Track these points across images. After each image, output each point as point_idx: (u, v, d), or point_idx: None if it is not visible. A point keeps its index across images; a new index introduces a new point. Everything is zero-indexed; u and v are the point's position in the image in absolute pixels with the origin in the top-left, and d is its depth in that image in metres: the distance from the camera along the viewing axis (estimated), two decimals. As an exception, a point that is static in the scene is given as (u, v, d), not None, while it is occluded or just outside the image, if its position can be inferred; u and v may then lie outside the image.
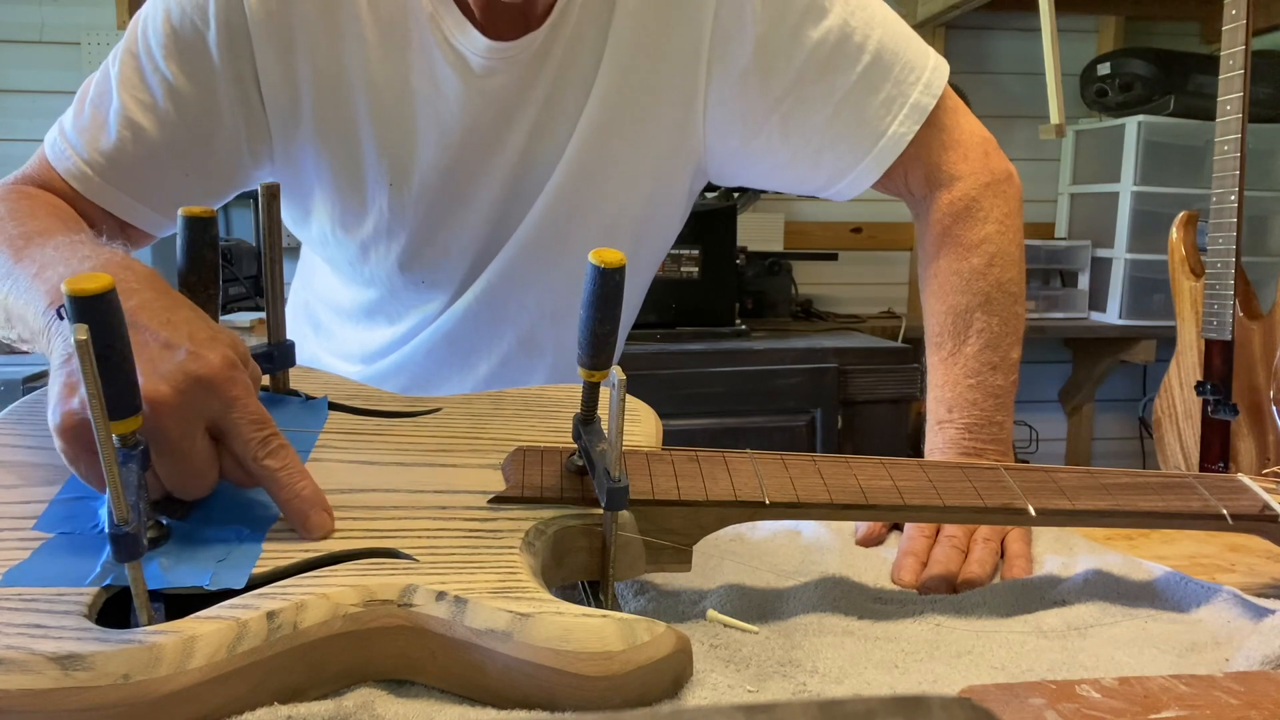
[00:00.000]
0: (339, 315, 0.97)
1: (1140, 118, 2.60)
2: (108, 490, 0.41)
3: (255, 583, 0.45)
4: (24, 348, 0.61)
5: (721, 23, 0.80)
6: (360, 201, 0.83)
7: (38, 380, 1.68)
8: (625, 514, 0.52)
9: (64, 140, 0.78)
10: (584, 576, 0.53)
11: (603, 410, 0.53)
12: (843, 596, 0.59)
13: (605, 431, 0.53)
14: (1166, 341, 2.20)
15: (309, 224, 0.88)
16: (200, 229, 0.55)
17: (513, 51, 0.77)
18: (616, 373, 0.48)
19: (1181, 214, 2.04)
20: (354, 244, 0.86)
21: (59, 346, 0.52)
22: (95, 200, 0.78)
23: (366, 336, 0.95)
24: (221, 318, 0.56)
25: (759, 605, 0.57)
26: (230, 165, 0.80)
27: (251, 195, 0.85)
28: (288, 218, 0.90)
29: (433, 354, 0.91)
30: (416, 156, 0.81)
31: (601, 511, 0.51)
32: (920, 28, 2.65)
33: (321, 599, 0.43)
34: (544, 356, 0.91)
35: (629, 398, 0.58)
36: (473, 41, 0.76)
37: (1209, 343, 1.87)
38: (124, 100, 0.77)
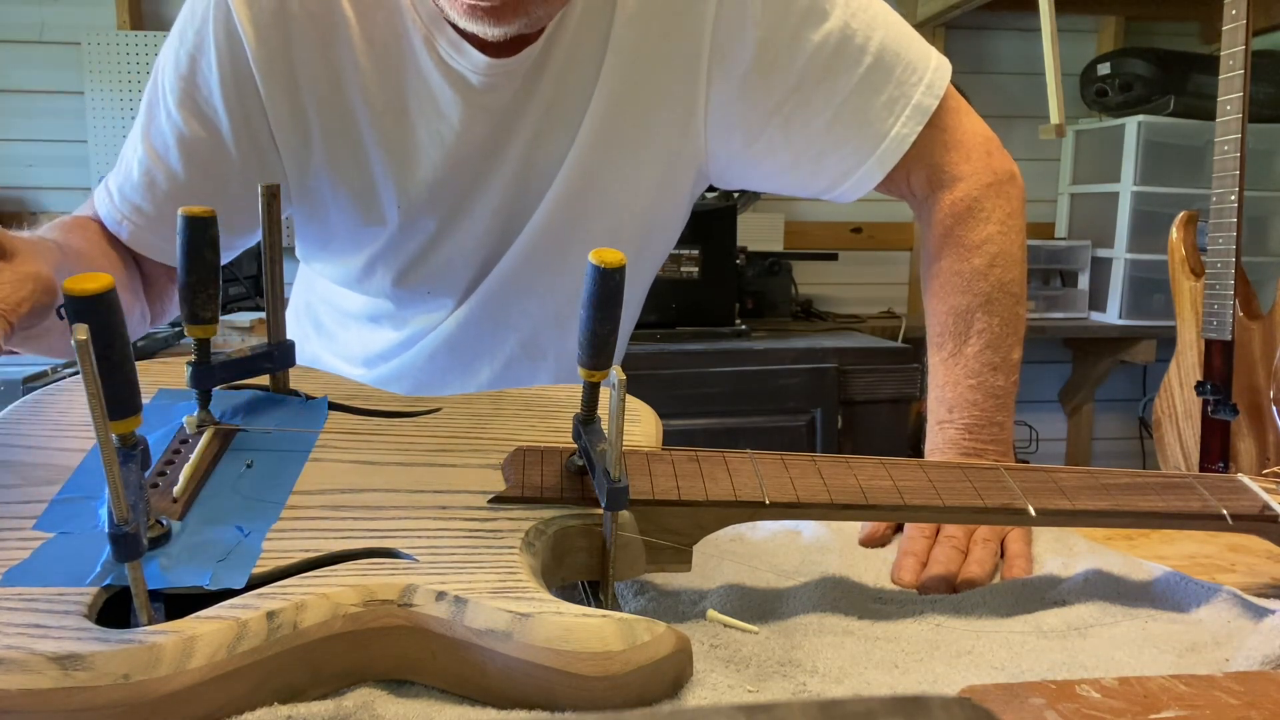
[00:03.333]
0: (343, 318, 0.97)
1: (1140, 118, 2.60)
2: (108, 490, 0.41)
3: (255, 583, 0.45)
4: None
5: (722, 27, 0.80)
6: (375, 221, 0.83)
7: (38, 380, 1.68)
8: (625, 514, 0.52)
9: (105, 188, 0.82)
10: (584, 576, 0.53)
11: (603, 410, 0.53)
12: (843, 596, 0.59)
13: (605, 431, 0.53)
14: (1166, 341, 2.20)
15: (325, 251, 0.88)
16: (200, 229, 0.55)
17: (512, 66, 0.77)
18: (616, 373, 0.48)
19: (1181, 214, 2.04)
20: (362, 261, 0.87)
21: None
22: (132, 246, 0.81)
23: (370, 340, 0.95)
24: (221, 317, 0.57)
25: (759, 605, 0.57)
26: (248, 205, 0.80)
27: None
28: (300, 250, 0.91)
29: (435, 359, 0.91)
30: (422, 175, 0.81)
31: (601, 511, 0.51)
32: (920, 28, 2.65)
33: (321, 599, 0.43)
34: (546, 361, 0.91)
35: (629, 398, 0.58)
36: (471, 60, 0.76)
37: (1209, 343, 1.87)
38: (144, 150, 0.80)
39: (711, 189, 2.19)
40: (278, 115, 0.78)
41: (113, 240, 0.81)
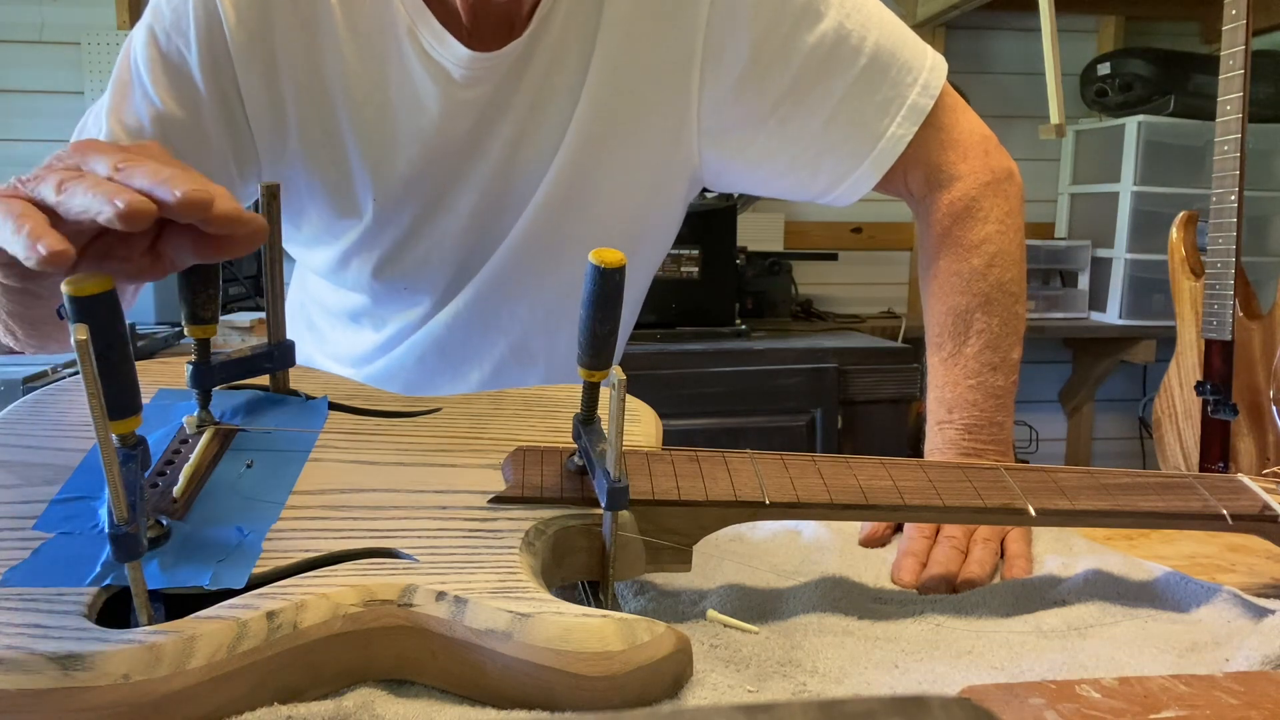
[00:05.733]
0: (330, 317, 0.97)
1: (1140, 118, 2.60)
2: (108, 490, 0.41)
3: (255, 583, 0.45)
4: None
5: (714, 28, 0.79)
6: (349, 213, 0.82)
7: (38, 380, 1.68)
8: (625, 514, 0.52)
9: None
10: (584, 576, 0.53)
11: (603, 410, 0.53)
12: (843, 596, 0.59)
13: (605, 431, 0.53)
14: (1166, 341, 2.20)
15: (297, 237, 0.88)
16: (200, 229, 0.54)
17: (494, 60, 0.77)
18: (616, 373, 0.48)
19: (1181, 214, 2.04)
20: (337, 251, 0.86)
21: None
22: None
23: (354, 340, 0.94)
24: (221, 317, 0.57)
25: (759, 605, 0.57)
26: (222, 185, 0.79)
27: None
28: None
29: (424, 361, 0.90)
30: (398, 167, 0.80)
31: (601, 511, 0.51)
32: (920, 28, 2.65)
33: (321, 599, 0.43)
34: (536, 365, 0.91)
35: (629, 398, 0.58)
36: (452, 52, 0.76)
37: (1209, 343, 1.87)
38: (113, 127, 0.77)
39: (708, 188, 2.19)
40: (254, 99, 0.77)
41: None
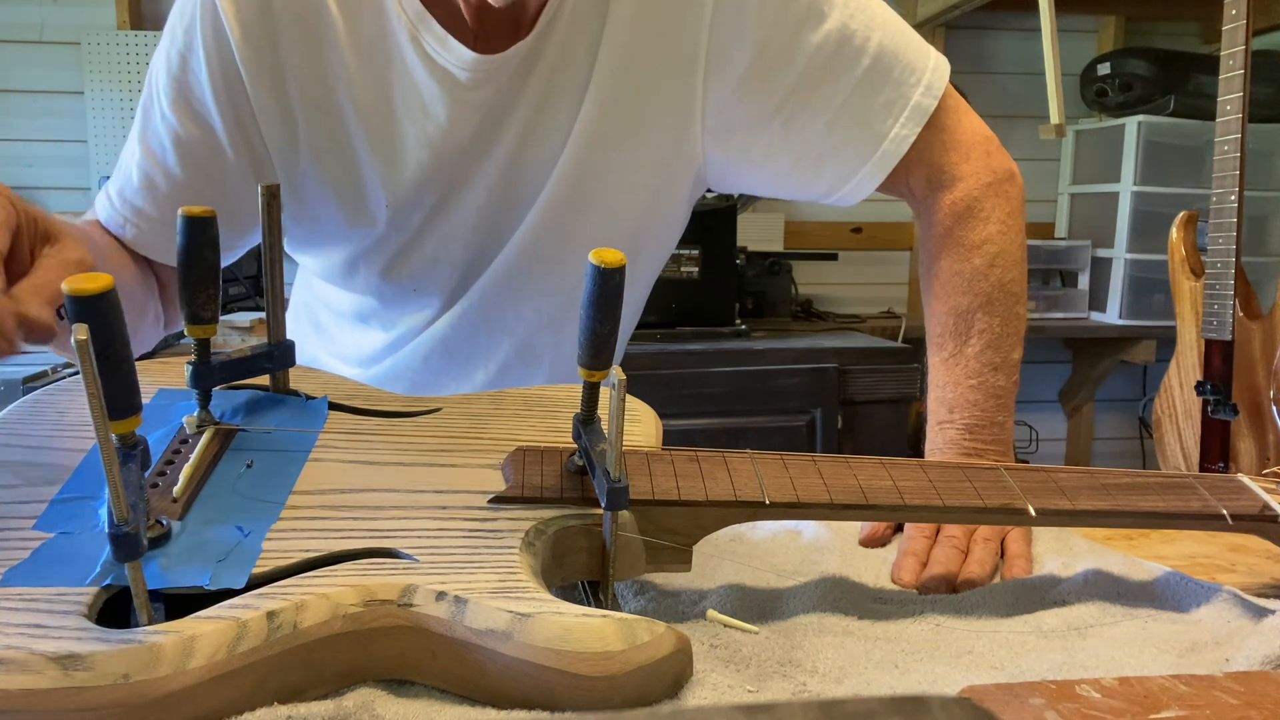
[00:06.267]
0: (336, 318, 0.97)
1: (1140, 118, 2.60)
2: (108, 490, 0.41)
3: (255, 583, 0.45)
4: None
5: (719, 29, 0.79)
6: (363, 220, 0.83)
7: (38, 380, 1.68)
8: (625, 514, 0.52)
9: (105, 194, 0.83)
10: (584, 576, 0.53)
11: (603, 410, 0.53)
12: (843, 596, 0.59)
13: (605, 431, 0.53)
14: (1166, 341, 2.20)
15: (309, 247, 0.88)
16: (200, 229, 0.55)
17: (500, 62, 0.77)
18: (616, 373, 0.48)
19: (1181, 214, 2.04)
20: (347, 256, 0.86)
21: None
22: (136, 249, 0.82)
23: (361, 340, 0.95)
24: (221, 317, 0.57)
25: (759, 605, 0.57)
26: (247, 204, 0.80)
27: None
28: (287, 244, 0.91)
29: (429, 361, 0.91)
30: (408, 172, 0.81)
31: (601, 511, 0.51)
32: (920, 28, 2.65)
33: (321, 599, 0.43)
34: (541, 365, 0.91)
35: (629, 398, 0.58)
36: (457, 55, 0.76)
37: (1209, 343, 1.87)
38: (142, 152, 0.80)
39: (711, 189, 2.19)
40: (265, 114, 0.78)
41: (122, 243, 0.82)
